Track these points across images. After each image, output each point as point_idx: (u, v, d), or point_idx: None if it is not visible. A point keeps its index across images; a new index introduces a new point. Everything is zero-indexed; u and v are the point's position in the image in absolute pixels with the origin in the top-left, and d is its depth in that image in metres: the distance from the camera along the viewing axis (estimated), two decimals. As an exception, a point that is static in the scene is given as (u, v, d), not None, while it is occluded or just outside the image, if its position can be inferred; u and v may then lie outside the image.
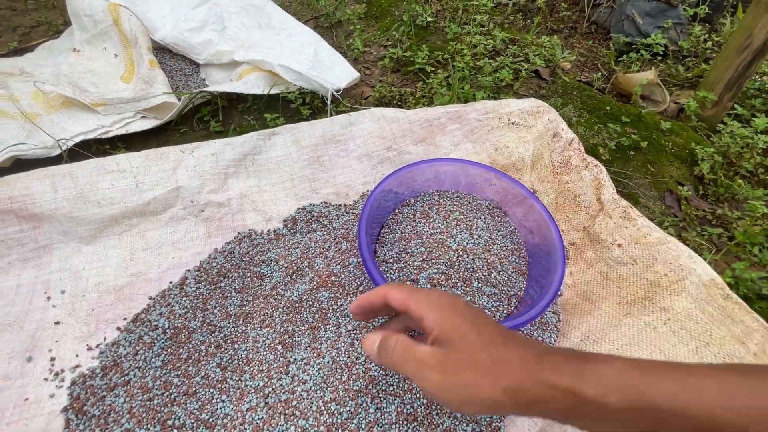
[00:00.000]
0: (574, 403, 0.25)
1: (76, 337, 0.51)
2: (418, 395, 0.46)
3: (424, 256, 0.55)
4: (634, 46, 1.07)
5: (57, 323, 0.52)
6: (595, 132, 0.83)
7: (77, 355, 0.49)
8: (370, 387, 0.46)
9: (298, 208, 0.66)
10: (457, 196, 0.65)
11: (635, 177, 0.76)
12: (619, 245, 0.62)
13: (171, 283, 0.56)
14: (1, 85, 0.76)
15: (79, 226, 0.58)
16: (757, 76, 0.98)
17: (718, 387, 0.23)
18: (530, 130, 0.73)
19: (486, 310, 0.52)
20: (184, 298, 0.54)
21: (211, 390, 0.46)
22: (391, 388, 0.47)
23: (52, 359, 0.49)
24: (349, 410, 0.45)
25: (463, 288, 0.53)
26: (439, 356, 0.29)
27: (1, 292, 0.53)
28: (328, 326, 0.52)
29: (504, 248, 0.59)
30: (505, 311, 0.52)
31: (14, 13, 1.13)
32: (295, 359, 0.49)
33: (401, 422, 0.44)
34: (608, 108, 0.87)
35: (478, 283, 0.54)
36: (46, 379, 0.47)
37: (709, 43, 1.07)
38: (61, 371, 0.48)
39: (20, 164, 0.67)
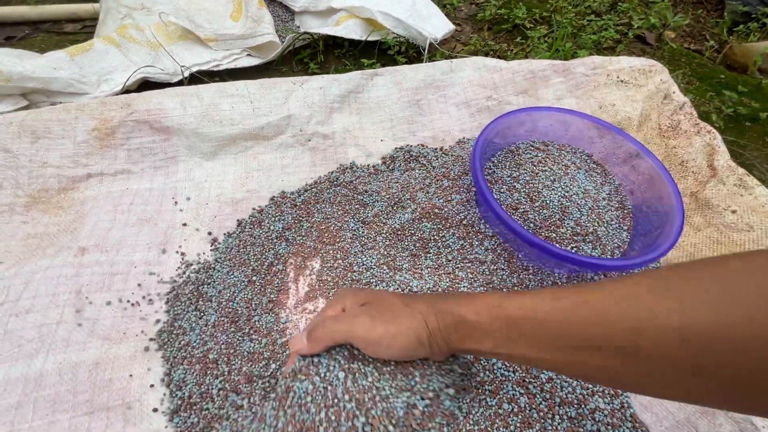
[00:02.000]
0: (463, 326, 0.33)
1: (201, 239, 0.56)
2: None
3: (525, 204, 0.55)
4: (753, 16, 0.98)
5: (184, 225, 0.57)
6: (706, 100, 0.77)
7: (204, 253, 0.54)
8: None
9: (396, 148, 0.67)
10: (560, 147, 0.64)
11: (751, 148, 0.71)
12: (734, 211, 0.59)
13: (279, 196, 0.60)
14: (128, 16, 0.82)
15: (202, 142, 0.62)
16: None
17: (549, 296, 0.30)
18: (640, 90, 0.70)
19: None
20: (294, 209, 0.58)
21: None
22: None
23: (182, 254, 0.54)
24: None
25: (565, 235, 0.53)
26: (364, 309, 0.35)
27: (137, 193, 0.59)
28: (428, 255, 0.54)
29: (608, 201, 0.58)
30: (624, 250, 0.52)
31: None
32: (400, 279, 0.51)
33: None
34: (722, 76, 0.81)
35: (581, 232, 0.53)
36: (178, 269, 0.53)
37: None
38: (190, 264, 0.53)
39: (146, 85, 0.73)
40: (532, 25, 0.90)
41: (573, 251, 0.52)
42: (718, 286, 0.23)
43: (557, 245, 0.51)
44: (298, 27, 0.98)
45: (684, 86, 0.80)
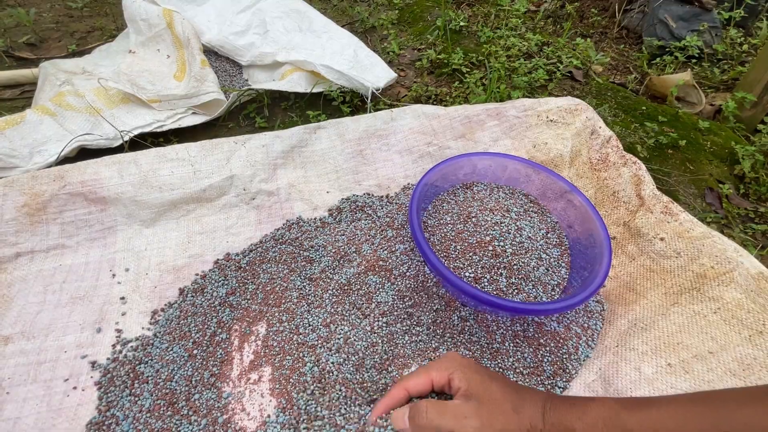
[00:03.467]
0: None
1: (140, 312, 0.54)
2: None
3: (471, 239, 0.57)
4: (667, 50, 1.08)
5: (122, 298, 0.55)
6: (631, 131, 0.83)
7: (142, 328, 0.52)
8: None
9: (342, 199, 0.68)
10: (497, 188, 0.67)
11: (674, 174, 0.76)
12: (662, 239, 0.62)
13: (223, 259, 0.59)
14: (67, 82, 0.81)
15: (141, 209, 0.61)
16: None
17: (675, 414, 0.29)
18: (568, 128, 0.75)
19: (530, 298, 0.53)
20: (238, 272, 0.57)
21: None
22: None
23: (119, 331, 0.52)
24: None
25: (506, 277, 0.54)
26: (473, 407, 0.34)
27: (71, 268, 0.57)
28: (372, 311, 0.54)
29: (546, 239, 0.60)
30: (549, 299, 0.53)
31: (71, 19, 1.21)
32: (342, 337, 0.51)
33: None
34: (644, 108, 0.88)
35: (521, 273, 0.55)
36: (113, 346, 0.50)
37: (745, 47, 1.06)
38: (127, 341, 0.51)
39: (85, 153, 0.72)
40: (468, 69, 0.95)
41: (516, 292, 0.53)
42: None
43: (493, 293, 0.52)
44: (246, 80, 1.00)
45: (611, 119, 0.86)
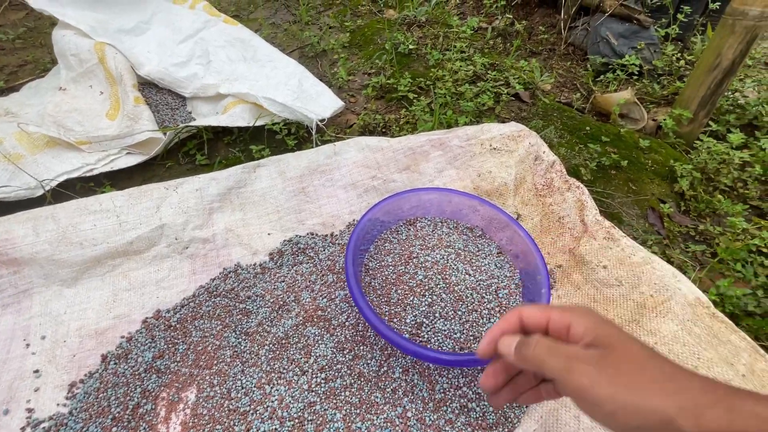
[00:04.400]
0: None
1: (56, 386, 0.49)
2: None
3: (412, 282, 0.55)
4: (610, 66, 1.11)
5: (36, 371, 0.50)
6: (576, 152, 0.84)
7: (57, 404, 0.48)
8: (358, 426, 0.45)
9: (284, 240, 0.66)
10: (441, 223, 0.66)
11: (618, 196, 0.77)
12: (605, 267, 0.62)
13: (152, 317, 0.55)
14: (-15, 126, 0.76)
15: (61, 268, 0.57)
16: (730, 93, 1.01)
17: None
18: (512, 155, 0.75)
19: (480, 334, 0.52)
20: (168, 331, 0.53)
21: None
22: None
23: (30, 410, 0.47)
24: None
25: (453, 313, 0.53)
26: (596, 355, 0.26)
27: (-22, 341, 0.52)
28: (311, 367, 0.51)
29: (493, 273, 0.59)
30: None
31: (2, 52, 1.14)
32: (275, 399, 0.48)
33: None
34: (588, 128, 0.89)
35: (470, 306, 0.54)
36: (22, 429, 0.46)
37: (682, 62, 1.10)
38: (38, 422, 0.46)
39: (2, 207, 0.66)
40: (416, 95, 0.95)
41: (465, 335, 0.51)
42: None
43: (437, 339, 0.50)
44: (190, 113, 0.96)
45: (557, 140, 0.87)
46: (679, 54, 1.12)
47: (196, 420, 0.47)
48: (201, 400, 0.48)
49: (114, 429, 0.46)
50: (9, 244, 0.56)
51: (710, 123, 0.93)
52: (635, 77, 1.10)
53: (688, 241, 0.72)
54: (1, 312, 0.54)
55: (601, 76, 1.11)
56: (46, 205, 0.60)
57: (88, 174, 0.74)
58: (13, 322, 0.54)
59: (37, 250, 0.56)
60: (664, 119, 0.91)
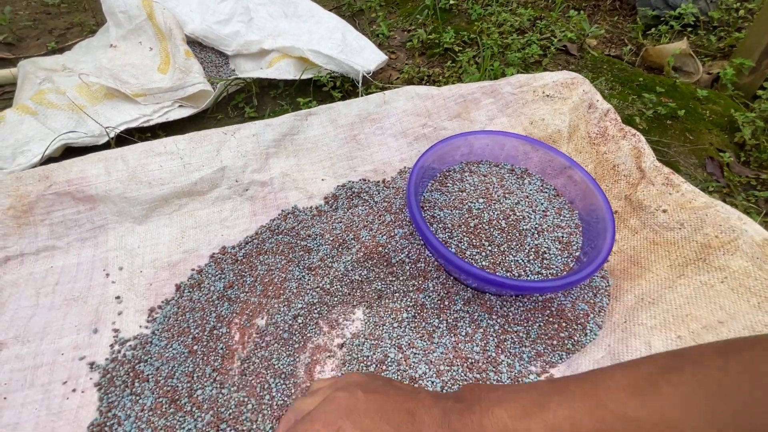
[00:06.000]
0: None
1: (137, 310, 0.53)
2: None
3: (468, 221, 0.56)
4: (662, 19, 1.05)
5: (117, 298, 0.54)
6: (629, 103, 0.82)
7: (140, 326, 0.51)
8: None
9: (338, 186, 0.67)
10: (495, 166, 0.65)
11: (674, 145, 0.75)
12: (664, 211, 0.61)
13: (219, 253, 0.58)
14: (47, 79, 0.79)
15: (132, 206, 0.60)
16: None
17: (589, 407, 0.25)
18: (565, 102, 0.73)
19: (539, 275, 0.52)
20: (235, 264, 0.56)
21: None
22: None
23: (116, 330, 0.51)
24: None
25: (513, 254, 0.53)
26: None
27: (63, 270, 0.56)
28: (374, 298, 0.53)
29: (555, 214, 0.59)
30: (563, 271, 0.52)
31: (49, 16, 1.17)
32: (341, 328, 0.50)
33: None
34: (641, 79, 0.86)
35: (529, 246, 0.54)
36: (111, 346, 0.49)
37: (741, 12, 1.04)
38: (125, 340, 0.50)
39: (70, 152, 0.70)
40: (460, 48, 0.93)
41: (521, 268, 0.52)
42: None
43: (499, 271, 0.51)
44: (233, 70, 0.97)
45: (608, 92, 0.84)
46: (738, 4, 1.05)
47: (267, 344, 0.49)
48: (271, 326, 0.51)
49: (195, 346, 0.48)
50: (84, 182, 0.59)
51: (773, 73, 0.88)
52: (689, 30, 1.05)
53: (749, 190, 0.70)
54: (81, 245, 0.58)
55: (652, 30, 1.05)
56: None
57: (145, 124, 0.76)
58: (92, 254, 0.57)
59: (110, 188, 0.59)
60: (724, 70, 0.86)
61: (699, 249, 0.55)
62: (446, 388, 0.44)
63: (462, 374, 0.45)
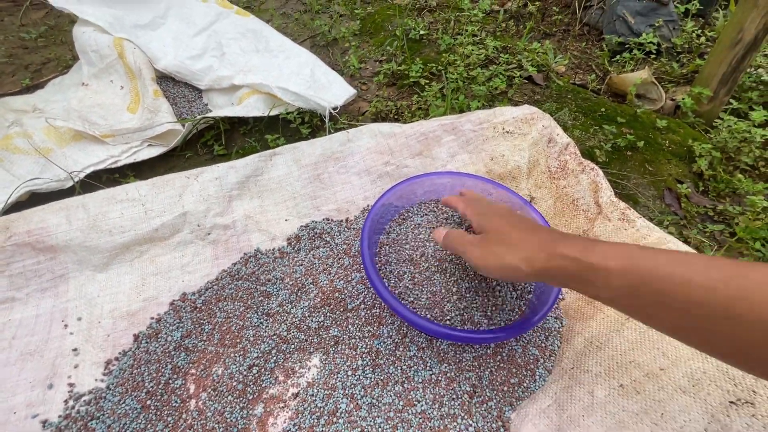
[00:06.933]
0: (581, 268, 0.33)
1: (93, 363, 0.53)
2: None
3: (425, 263, 0.57)
4: (627, 46, 1.08)
5: (75, 350, 0.54)
6: (591, 134, 0.83)
7: (95, 379, 0.51)
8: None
9: (301, 226, 0.67)
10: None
11: (633, 177, 0.76)
12: (619, 247, 0.62)
13: (179, 300, 0.58)
14: (16, 122, 0.80)
15: (93, 254, 0.60)
16: (752, 69, 0.98)
17: (695, 261, 0.29)
18: (525, 138, 0.74)
19: (489, 321, 0.53)
20: (194, 312, 0.56)
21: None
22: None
23: (71, 384, 0.51)
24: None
25: (467, 300, 0.54)
26: (479, 238, 0.44)
27: (21, 323, 0.56)
28: (330, 346, 0.54)
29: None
30: (516, 315, 0.53)
31: (26, 51, 1.18)
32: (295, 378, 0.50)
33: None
34: (603, 109, 0.88)
35: (483, 293, 0.55)
36: (65, 402, 0.49)
37: (703, 39, 1.07)
38: (80, 395, 0.50)
39: (35, 197, 0.70)
40: (427, 81, 0.95)
41: (476, 315, 0.52)
42: None
43: (451, 318, 0.52)
44: (206, 104, 0.99)
45: (571, 123, 0.86)
46: (699, 30, 1.08)
47: (220, 395, 0.50)
48: (226, 376, 0.51)
49: (149, 401, 0.49)
50: (45, 232, 0.59)
51: (731, 101, 0.90)
52: (653, 56, 1.08)
53: (705, 221, 0.71)
54: (41, 296, 0.58)
55: (617, 57, 1.08)
56: (75, 196, 0.63)
57: (113, 166, 0.77)
58: (52, 304, 0.58)
59: (70, 237, 0.59)
60: (683, 98, 0.89)
61: (649, 288, 0.56)
62: (394, 440, 0.45)
63: (413, 427, 0.46)
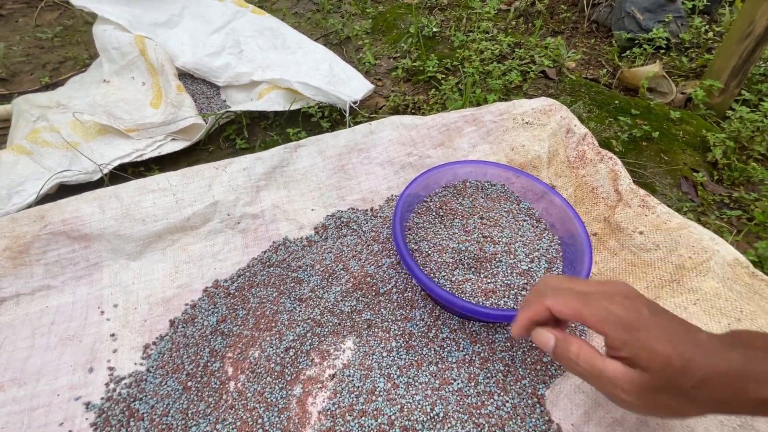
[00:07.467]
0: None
1: (132, 347, 0.54)
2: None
3: (453, 247, 0.58)
4: (636, 42, 1.10)
5: (112, 335, 0.55)
6: (606, 126, 0.85)
7: (135, 363, 0.52)
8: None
9: (327, 215, 0.69)
10: (479, 192, 0.68)
11: (650, 166, 0.78)
12: (641, 232, 0.64)
13: (212, 287, 0.59)
14: (42, 117, 0.81)
15: (126, 243, 0.61)
16: (762, 62, 1.00)
17: None
18: (544, 128, 0.76)
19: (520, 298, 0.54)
20: (228, 298, 0.57)
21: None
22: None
23: (111, 368, 0.52)
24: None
25: (497, 278, 0.55)
26: (634, 379, 0.29)
27: (59, 309, 0.57)
28: (363, 328, 0.55)
29: (532, 239, 0.61)
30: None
31: (42, 51, 1.19)
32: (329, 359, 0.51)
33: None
34: (617, 102, 0.90)
35: (510, 272, 0.56)
36: (106, 384, 0.50)
37: (710, 34, 1.09)
38: (120, 378, 0.51)
39: (64, 190, 0.71)
40: (443, 76, 0.96)
41: (508, 297, 0.54)
42: None
43: (485, 300, 0.53)
44: (224, 101, 1.00)
45: (586, 115, 0.88)
46: (707, 26, 1.10)
47: (259, 377, 0.51)
48: (263, 359, 0.52)
49: (189, 382, 0.50)
50: (79, 221, 0.60)
51: (742, 92, 0.92)
52: (662, 51, 1.10)
53: (722, 208, 0.73)
54: (76, 284, 0.59)
55: (627, 52, 1.10)
56: (105, 187, 0.64)
57: (138, 159, 0.78)
58: (87, 292, 0.59)
59: (104, 226, 0.60)
60: (694, 91, 0.90)
61: (674, 270, 0.57)
62: (432, 417, 0.46)
63: (451, 403, 0.47)
